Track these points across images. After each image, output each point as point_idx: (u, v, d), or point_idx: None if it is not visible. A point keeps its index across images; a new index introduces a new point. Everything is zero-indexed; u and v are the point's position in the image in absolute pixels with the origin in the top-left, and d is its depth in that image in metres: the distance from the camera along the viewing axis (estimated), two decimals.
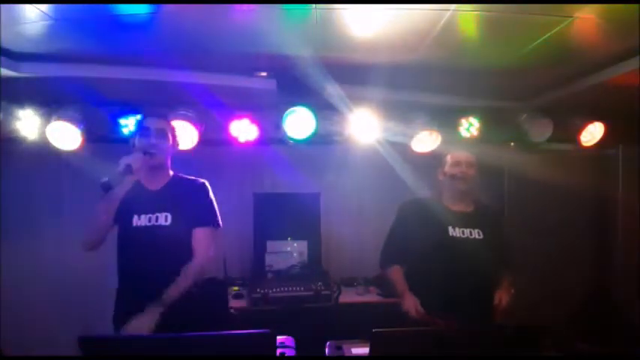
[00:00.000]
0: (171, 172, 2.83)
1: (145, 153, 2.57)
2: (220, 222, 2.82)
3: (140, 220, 2.66)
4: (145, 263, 2.60)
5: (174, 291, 2.54)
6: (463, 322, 2.58)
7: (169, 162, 2.82)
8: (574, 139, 4.52)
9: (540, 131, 4.34)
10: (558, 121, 4.36)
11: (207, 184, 2.85)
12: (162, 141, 2.71)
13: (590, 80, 3.66)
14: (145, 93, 3.95)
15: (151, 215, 2.63)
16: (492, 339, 2.02)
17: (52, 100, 3.98)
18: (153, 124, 2.73)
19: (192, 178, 2.86)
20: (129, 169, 2.47)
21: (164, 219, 2.66)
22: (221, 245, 3.96)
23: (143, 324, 2.40)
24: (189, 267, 2.64)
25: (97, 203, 2.55)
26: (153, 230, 2.64)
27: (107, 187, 2.44)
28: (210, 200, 2.81)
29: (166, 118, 2.85)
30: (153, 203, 2.67)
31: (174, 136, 2.82)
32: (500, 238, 3.09)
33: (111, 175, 2.47)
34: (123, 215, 2.63)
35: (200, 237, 2.72)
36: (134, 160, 2.51)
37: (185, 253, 2.69)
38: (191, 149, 4.07)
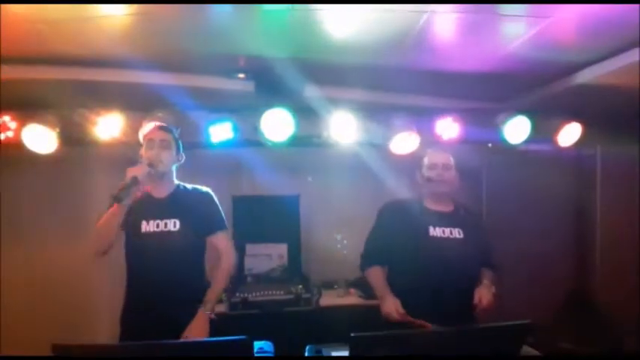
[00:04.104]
0: (176, 181, 2.97)
1: (149, 165, 2.71)
2: None
3: (149, 226, 2.81)
4: (154, 267, 2.74)
5: (212, 295, 2.84)
6: (445, 321, 2.58)
7: (174, 171, 2.96)
8: (551, 139, 4.55)
9: (518, 132, 4.36)
10: (536, 122, 4.38)
11: (211, 191, 3.02)
12: (167, 152, 2.84)
13: (567, 81, 3.70)
14: (121, 95, 3.90)
15: (159, 221, 2.80)
16: (473, 339, 2.01)
17: (27, 103, 3.89)
18: (157, 135, 2.87)
19: (197, 186, 3.02)
20: (135, 180, 2.59)
21: (172, 225, 2.82)
22: None
23: (201, 330, 2.69)
24: (221, 271, 2.93)
25: (107, 214, 2.66)
26: (161, 236, 2.79)
27: (119, 200, 2.57)
28: (218, 206, 3.00)
29: (171, 131, 2.97)
30: (160, 210, 2.83)
31: (178, 147, 2.95)
32: (480, 238, 3.10)
33: (119, 184, 2.60)
34: (132, 222, 2.79)
35: (222, 240, 2.97)
36: (139, 171, 2.64)
37: (192, 257, 2.89)
38: None
